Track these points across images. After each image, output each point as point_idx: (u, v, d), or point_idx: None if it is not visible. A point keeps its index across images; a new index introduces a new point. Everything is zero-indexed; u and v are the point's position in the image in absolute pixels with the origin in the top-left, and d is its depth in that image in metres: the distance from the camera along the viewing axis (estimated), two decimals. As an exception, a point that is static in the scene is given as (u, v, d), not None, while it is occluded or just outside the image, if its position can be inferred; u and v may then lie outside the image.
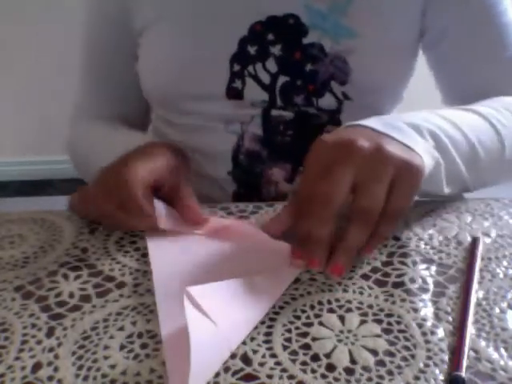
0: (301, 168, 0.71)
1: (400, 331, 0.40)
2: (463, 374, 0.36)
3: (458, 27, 0.68)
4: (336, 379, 0.36)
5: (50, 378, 0.37)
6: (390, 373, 0.37)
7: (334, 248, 0.46)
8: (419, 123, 0.52)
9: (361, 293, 0.45)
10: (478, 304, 0.43)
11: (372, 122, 0.50)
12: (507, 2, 0.69)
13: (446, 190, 0.54)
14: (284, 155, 0.72)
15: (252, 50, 0.68)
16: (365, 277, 0.47)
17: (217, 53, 0.68)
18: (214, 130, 0.72)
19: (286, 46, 0.68)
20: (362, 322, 0.41)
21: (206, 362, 0.36)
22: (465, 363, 0.37)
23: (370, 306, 0.43)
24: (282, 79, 0.69)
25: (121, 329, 0.41)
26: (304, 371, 0.37)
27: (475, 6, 0.68)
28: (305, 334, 0.40)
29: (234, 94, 0.69)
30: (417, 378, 0.36)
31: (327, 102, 0.69)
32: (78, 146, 0.80)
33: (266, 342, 0.40)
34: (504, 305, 0.43)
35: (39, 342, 0.40)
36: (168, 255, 0.50)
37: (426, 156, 0.48)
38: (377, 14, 0.67)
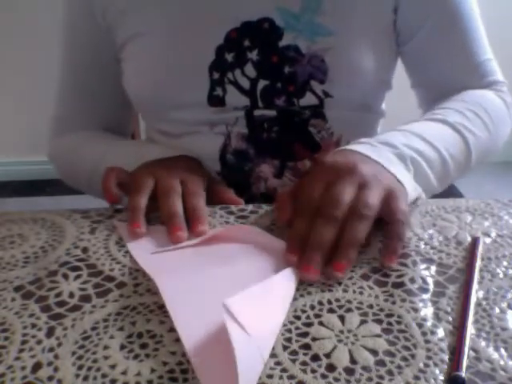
0: (288, 163, 0.73)
1: (400, 331, 0.40)
2: (463, 374, 0.36)
3: (426, 27, 0.71)
4: (336, 379, 0.36)
5: (50, 378, 0.37)
6: (390, 373, 0.37)
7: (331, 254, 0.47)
8: (404, 152, 0.57)
9: (361, 293, 0.45)
10: (478, 304, 0.43)
11: (366, 149, 0.55)
12: (473, 2, 0.72)
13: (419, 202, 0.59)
14: (271, 151, 0.73)
15: (229, 57, 0.68)
16: (365, 277, 0.47)
17: (195, 62, 0.69)
18: (200, 133, 0.73)
19: (262, 50, 0.68)
20: (362, 322, 0.41)
21: (249, 376, 0.35)
22: (465, 363, 0.37)
23: (370, 306, 0.43)
24: (261, 83, 0.69)
25: (121, 329, 0.41)
26: (304, 371, 0.37)
27: (441, 6, 0.70)
28: (305, 334, 0.40)
29: (216, 101, 0.70)
30: (417, 378, 0.36)
31: (308, 101, 0.70)
32: (73, 154, 0.80)
33: (266, 341, 0.39)
34: (504, 305, 0.43)
35: (39, 342, 0.40)
36: (168, 268, 0.48)
37: (410, 190, 0.54)
38: (350, 10, 0.68)
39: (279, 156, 0.73)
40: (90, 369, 0.37)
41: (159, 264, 0.49)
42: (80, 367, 0.38)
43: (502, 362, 0.38)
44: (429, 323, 0.41)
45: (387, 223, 0.49)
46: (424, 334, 0.40)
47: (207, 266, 0.49)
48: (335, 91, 0.69)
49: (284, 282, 0.45)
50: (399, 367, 0.37)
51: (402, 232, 0.49)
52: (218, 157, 0.73)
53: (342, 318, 0.42)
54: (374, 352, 0.38)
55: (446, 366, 0.37)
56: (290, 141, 0.72)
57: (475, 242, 0.51)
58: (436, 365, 0.37)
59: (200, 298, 0.44)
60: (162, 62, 0.70)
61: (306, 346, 0.39)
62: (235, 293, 0.41)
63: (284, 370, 0.37)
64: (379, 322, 0.41)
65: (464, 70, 0.74)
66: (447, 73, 0.74)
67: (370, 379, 0.36)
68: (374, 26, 0.69)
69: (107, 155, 0.73)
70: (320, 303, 0.44)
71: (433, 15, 0.70)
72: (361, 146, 0.56)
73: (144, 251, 0.51)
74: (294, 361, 0.38)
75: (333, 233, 0.47)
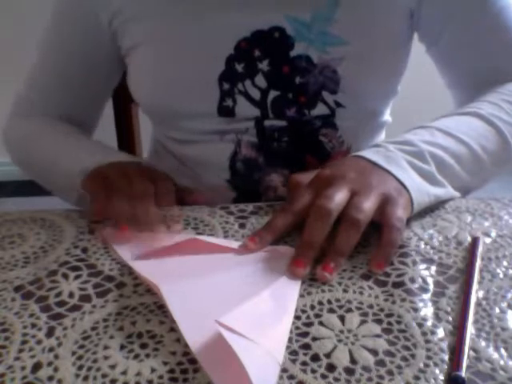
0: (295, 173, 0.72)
1: (400, 331, 0.40)
2: (463, 373, 0.36)
3: (454, 23, 0.69)
4: (336, 379, 0.36)
5: (50, 378, 0.37)
6: (390, 373, 0.37)
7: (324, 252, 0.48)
8: (422, 150, 0.56)
9: (361, 293, 0.45)
10: (478, 304, 0.43)
11: (376, 155, 0.55)
12: None
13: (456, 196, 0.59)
14: (281, 161, 0.72)
15: (240, 67, 0.67)
16: (365, 277, 0.47)
17: (205, 73, 0.68)
18: (210, 141, 0.72)
19: (273, 60, 0.67)
20: (362, 322, 0.41)
21: (265, 380, 0.35)
22: (465, 363, 0.37)
23: (370, 306, 0.43)
24: (272, 94, 0.69)
25: (121, 329, 0.41)
26: (304, 371, 0.37)
27: (467, 0, 0.68)
28: (305, 334, 0.40)
29: (226, 112, 0.69)
30: (417, 378, 0.36)
31: (320, 111, 0.69)
32: (32, 140, 0.77)
33: (266, 341, 0.39)
34: (504, 305, 0.43)
35: (39, 342, 0.40)
36: (170, 275, 0.48)
37: (417, 195, 0.53)
38: (364, 20, 0.67)
39: (289, 165, 0.72)
40: (89, 369, 0.37)
41: (159, 271, 0.48)
42: (80, 367, 0.38)
43: (501, 362, 0.38)
44: (429, 323, 0.41)
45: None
46: (424, 333, 0.40)
47: (211, 270, 0.48)
48: (347, 101, 0.69)
49: (287, 283, 0.45)
50: (399, 367, 0.37)
51: (394, 238, 0.49)
52: (227, 165, 0.72)
53: (342, 318, 0.42)
54: (374, 352, 0.38)
55: (446, 366, 0.37)
56: (300, 151, 0.72)
57: (475, 242, 0.51)
58: (436, 365, 0.37)
59: (205, 303, 0.43)
60: (171, 73, 0.69)
61: (306, 346, 0.39)
62: (240, 297, 0.41)
63: (284, 370, 0.37)
64: (379, 321, 0.41)
65: (503, 57, 0.71)
66: (484, 63, 0.71)
67: (369, 379, 0.36)
68: (387, 35, 0.68)
69: (64, 153, 0.71)
70: (320, 303, 0.44)
71: (461, 8, 0.68)
72: (372, 152, 0.56)
73: (139, 258, 0.50)
74: (294, 361, 0.38)
75: (324, 230, 0.48)
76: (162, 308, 0.43)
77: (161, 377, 0.37)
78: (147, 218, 0.54)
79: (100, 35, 0.72)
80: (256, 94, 0.69)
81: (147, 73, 0.71)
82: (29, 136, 0.78)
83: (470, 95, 0.70)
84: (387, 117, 0.79)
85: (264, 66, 0.68)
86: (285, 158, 0.72)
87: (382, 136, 0.81)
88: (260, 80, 0.68)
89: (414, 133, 0.60)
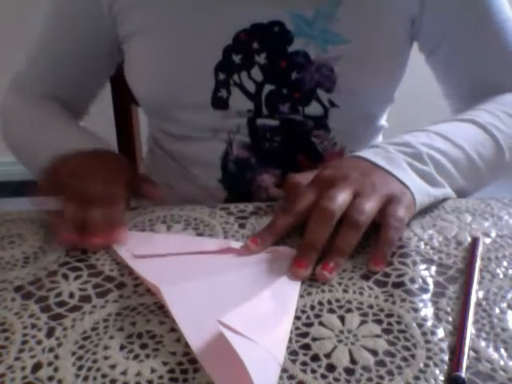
0: (290, 173, 0.71)
1: (400, 331, 0.40)
2: (463, 374, 0.36)
3: (455, 31, 0.69)
4: (336, 379, 0.36)
5: (50, 378, 0.37)
6: (390, 373, 0.37)
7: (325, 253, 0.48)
8: (421, 151, 0.57)
9: (361, 293, 0.45)
10: (478, 304, 0.43)
11: (377, 156, 0.55)
12: (503, 1, 0.69)
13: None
14: (273, 161, 0.72)
15: (237, 58, 0.67)
16: (365, 277, 0.47)
17: (201, 62, 0.68)
18: (203, 139, 0.72)
19: (270, 54, 0.67)
20: (362, 322, 0.41)
21: (266, 380, 0.35)
22: (465, 363, 0.37)
23: (370, 306, 0.43)
24: (267, 88, 0.68)
25: (121, 329, 0.41)
26: (304, 371, 0.37)
27: (469, 9, 0.68)
28: (305, 334, 0.40)
29: (220, 103, 0.69)
30: (417, 378, 0.36)
31: (313, 109, 0.69)
32: (18, 118, 0.77)
33: (266, 342, 0.39)
34: (504, 305, 0.43)
35: (39, 342, 0.40)
36: (171, 276, 0.48)
37: (420, 196, 0.53)
38: (365, 20, 0.66)
39: (281, 166, 0.72)
40: (89, 369, 0.37)
41: (160, 271, 0.48)
42: (80, 367, 0.38)
43: (502, 363, 0.38)
44: (429, 323, 0.41)
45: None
46: (424, 334, 0.40)
47: (212, 271, 0.48)
48: (341, 101, 0.68)
49: (287, 284, 0.45)
50: (399, 367, 0.37)
51: (391, 236, 0.49)
52: (219, 164, 0.72)
53: (342, 319, 0.42)
54: (374, 352, 0.38)
55: (446, 366, 0.37)
56: (292, 151, 0.72)
57: (475, 242, 0.51)
58: (436, 365, 0.37)
59: (206, 303, 0.43)
60: (167, 60, 0.69)
61: (306, 346, 0.39)
62: (240, 297, 0.41)
63: (284, 370, 0.37)
64: (379, 322, 0.41)
65: (502, 69, 0.71)
66: (483, 74, 0.71)
67: (370, 379, 0.36)
68: (388, 38, 0.68)
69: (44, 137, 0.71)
70: (320, 303, 0.44)
71: (462, 17, 0.68)
72: (372, 152, 0.56)
73: (141, 260, 0.50)
74: (294, 361, 0.38)
75: (326, 232, 0.48)
76: (162, 308, 0.43)
77: (161, 377, 0.37)
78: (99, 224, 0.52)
79: (100, 20, 0.71)
80: (251, 87, 0.68)
81: (144, 61, 0.71)
82: (13, 113, 0.78)
83: (467, 105, 0.70)
84: (383, 122, 0.79)
85: (261, 59, 0.67)
86: (276, 158, 0.72)
87: (378, 140, 0.81)
88: (256, 73, 0.68)
89: (412, 135, 0.60)
